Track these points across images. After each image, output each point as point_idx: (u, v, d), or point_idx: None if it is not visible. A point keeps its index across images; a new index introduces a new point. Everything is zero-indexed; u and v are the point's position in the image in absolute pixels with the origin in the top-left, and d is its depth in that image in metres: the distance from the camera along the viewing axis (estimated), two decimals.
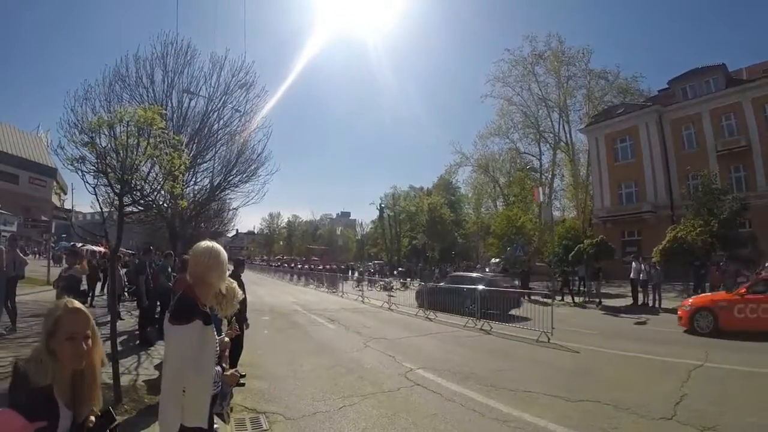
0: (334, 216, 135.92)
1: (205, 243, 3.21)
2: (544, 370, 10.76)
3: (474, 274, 23.75)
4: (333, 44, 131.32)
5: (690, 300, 16.82)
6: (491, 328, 16.33)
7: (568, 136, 56.04)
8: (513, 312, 17.62)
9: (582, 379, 9.93)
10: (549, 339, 14.06)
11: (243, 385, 8.26)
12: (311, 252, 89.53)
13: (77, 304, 2.32)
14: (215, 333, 3.17)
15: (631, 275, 23.99)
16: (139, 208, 10.65)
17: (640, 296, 23.71)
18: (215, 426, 3.78)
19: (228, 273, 3.24)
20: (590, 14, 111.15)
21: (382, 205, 75.61)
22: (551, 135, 57.35)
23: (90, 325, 2.31)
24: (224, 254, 3.20)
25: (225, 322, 4.29)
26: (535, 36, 56.68)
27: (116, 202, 7.74)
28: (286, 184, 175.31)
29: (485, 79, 66.23)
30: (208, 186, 22.31)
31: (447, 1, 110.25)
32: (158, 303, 12.68)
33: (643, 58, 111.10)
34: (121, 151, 7.03)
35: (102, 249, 25.57)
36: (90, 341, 2.27)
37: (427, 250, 65.03)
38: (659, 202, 41.15)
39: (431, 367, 10.45)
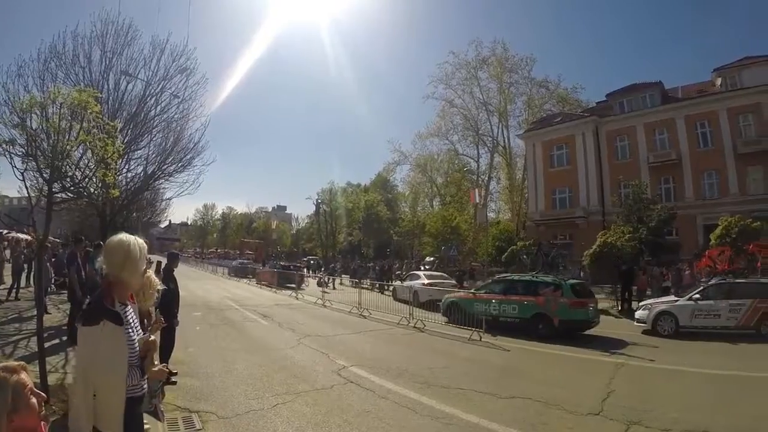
0: (270, 209, 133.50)
1: (118, 237, 2.98)
2: (476, 367, 10.92)
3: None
4: (283, 36, 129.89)
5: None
6: (425, 326, 16.50)
7: (506, 140, 57.09)
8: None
9: (512, 376, 10.16)
10: (481, 337, 14.32)
11: (175, 383, 8.05)
12: (246, 245, 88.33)
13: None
14: (130, 333, 2.96)
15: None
16: (70, 195, 10.26)
17: None
18: (146, 426, 3.64)
19: (152, 266, 3.08)
20: (538, 25, 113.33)
21: (319, 200, 75.00)
22: (490, 139, 58.25)
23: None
24: (138, 249, 2.96)
25: (154, 316, 4.15)
26: (480, 41, 57.62)
27: (45, 189, 7.40)
28: (222, 174, 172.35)
29: (428, 80, 66.69)
30: (142, 174, 21.70)
31: (400, 2, 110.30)
32: (89, 297, 12.21)
33: (584, 70, 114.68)
34: (52, 135, 6.73)
35: (28, 237, 24.58)
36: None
37: (362, 246, 65.05)
38: (591, 208, 42.40)
39: (365, 364, 10.45)
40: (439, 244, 45.16)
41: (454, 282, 27.35)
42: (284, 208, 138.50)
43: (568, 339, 14.38)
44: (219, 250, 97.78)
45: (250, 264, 50.98)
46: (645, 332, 16.50)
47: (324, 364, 10.34)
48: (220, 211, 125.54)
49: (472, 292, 18.92)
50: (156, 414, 3.57)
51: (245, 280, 41.24)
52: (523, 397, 8.21)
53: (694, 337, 15.32)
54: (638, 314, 17.61)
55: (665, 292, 23.35)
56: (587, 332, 15.69)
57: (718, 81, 39.45)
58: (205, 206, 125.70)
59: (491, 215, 59.30)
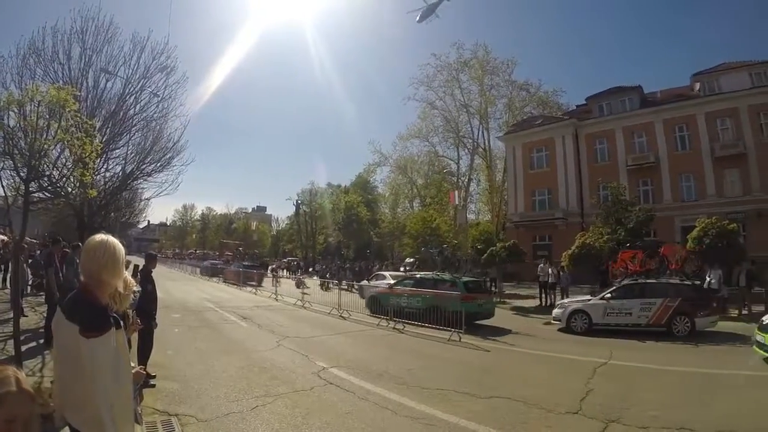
0: (250, 210, 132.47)
1: (99, 237, 2.88)
2: (456, 368, 10.97)
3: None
4: (265, 38, 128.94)
5: None
6: (404, 327, 16.53)
7: (486, 142, 57.00)
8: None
9: (492, 376, 10.24)
10: (460, 338, 14.34)
11: (153, 386, 7.98)
12: (225, 246, 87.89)
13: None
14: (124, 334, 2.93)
15: (540, 278, 25.02)
16: (47, 195, 10.16)
17: (549, 298, 24.85)
18: None
19: (129, 267, 3.03)
20: (519, 29, 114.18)
21: (299, 201, 74.75)
22: (470, 140, 58.18)
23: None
24: (121, 249, 2.92)
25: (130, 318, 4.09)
26: (462, 44, 57.33)
27: (22, 188, 7.30)
28: (201, 175, 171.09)
29: (409, 82, 66.64)
30: (120, 174, 21.55)
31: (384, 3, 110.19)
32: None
33: (565, 74, 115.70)
34: (30, 133, 6.65)
35: (5, 238, 24.21)
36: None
37: (342, 248, 65.03)
38: (570, 210, 42.63)
39: (345, 365, 10.46)
40: (419, 245, 45.22)
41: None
42: (264, 209, 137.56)
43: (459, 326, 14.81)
44: (198, 251, 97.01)
45: (219, 264, 52.05)
46: (560, 330, 17.08)
47: (304, 366, 10.31)
48: (200, 212, 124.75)
49: (388, 287, 21.46)
50: (135, 417, 3.51)
51: (215, 279, 41.97)
52: (503, 397, 8.26)
53: (606, 334, 16.06)
54: (554, 312, 18.51)
55: None
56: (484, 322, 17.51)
57: (697, 86, 40.10)
58: (184, 207, 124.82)
59: (471, 216, 59.68)
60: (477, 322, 16.95)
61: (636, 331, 16.04)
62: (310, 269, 57.24)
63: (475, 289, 18.76)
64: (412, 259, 45.14)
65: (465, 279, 19.88)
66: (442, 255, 28.02)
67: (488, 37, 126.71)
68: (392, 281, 23.93)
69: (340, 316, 19.51)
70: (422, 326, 16.33)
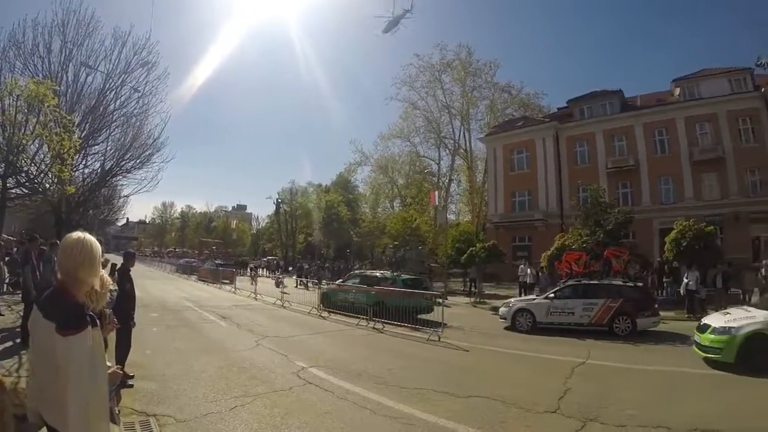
0: (230, 208, 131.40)
1: (77, 234, 2.86)
2: (435, 367, 11.02)
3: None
4: (248, 36, 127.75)
5: None
6: (383, 327, 16.56)
7: (467, 143, 57.29)
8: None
9: (471, 376, 10.25)
10: (440, 338, 14.42)
11: (131, 386, 7.91)
12: (205, 245, 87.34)
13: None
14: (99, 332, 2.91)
15: (520, 278, 25.24)
16: (24, 191, 10.05)
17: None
18: None
19: (107, 266, 2.99)
20: (503, 32, 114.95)
21: (279, 200, 74.26)
22: (451, 141, 58.40)
23: None
24: (97, 247, 2.91)
25: (107, 317, 4.04)
26: (445, 45, 57.63)
27: None
28: (181, 172, 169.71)
29: (392, 82, 66.75)
30: (99, 170, 21.37)
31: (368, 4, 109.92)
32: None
33: (546, 77, 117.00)
34: (8, 128, 6.58)
35: None
36: None
37: (322, 247, 64.86)
38: (550, 211, 42.88)
39: (324, 365, 10.44)
40: (399, 246, 45.21)
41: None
42: (244, 207, 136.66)
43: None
44: (178, 250, 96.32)
45: (195, 262, 53.44)
46: (506, 328, 17.39)
47: (283, 366, 10.28)
48: (179, 210, 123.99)
49: (337, 284, 23.73)
50: (112, 418, 3.46)
51: (191, 277, 42.14)
52: (481, 397, 8.30)
53: (549, 333, 16.46)
54: (500, 311, 18.88)
55: None
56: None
57: (677, 91, 40.76)
58: (163, 204, 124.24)
59: (451, 217, 59.78)
60: (420, 316, 17.42)
61: (578, 330, 16.53)
62: (290, 268, 57.05)
63: (413, 286, 19.92)
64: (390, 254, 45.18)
65: (404, 277, 22.14)
66: (402, 257, 28.92)
67: (472, 38, 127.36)
68: None
69: (320, 315, 19.51)
70: (401, 326, 16.39)
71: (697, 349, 11.72)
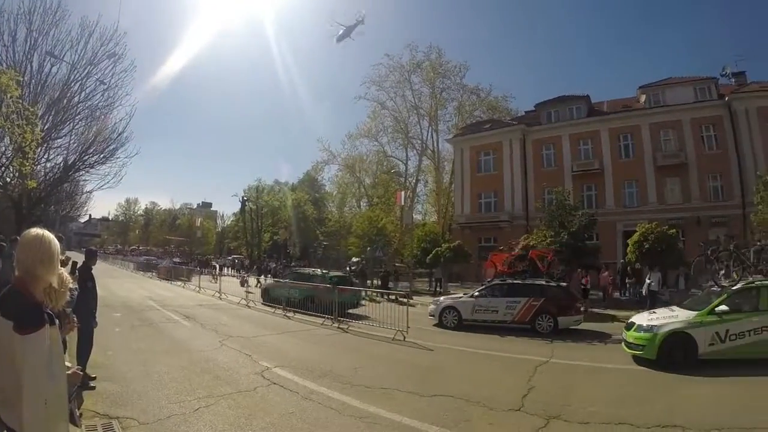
0: (195, 206, 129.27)
1: (35, 231, 2.81)
2: (400, 367, 11.06)
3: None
4: (219, 32, 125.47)
5: None
6: (348, 326, 16.56)
7: (435, 144, 57.70)
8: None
9: (436, 375, 10.35)
10: (404, 337, 14.45)
11: (93, 388, 7.76)
12: (169, 243, 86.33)
13: None
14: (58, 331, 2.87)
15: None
16: None
17: None
18: None
19: (68, 264, 2.94)
20: (473, 35, 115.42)
21: (245, 198, 73.51)
22: (419, 142, 58.69)
23: None
24: (56, 244, 2.87)
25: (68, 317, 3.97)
26: (416, 45, 57.90)
27: None
28: (146, 168, 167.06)
29: (361, 81, 66.83)
30: (62, 164, 21.01)
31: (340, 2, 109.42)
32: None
33: (515, 81, 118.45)
34: None
35: None
36: None
37: (288, 246, 64.47)
38: (516, 213, 43.43)
39: (288, 365, 10.41)
40: (365, 245, 45.23)
41: (355, 281, 29.47)
42: (210, 205, 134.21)
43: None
44: (141, 248, 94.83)
45: (153, 260, 53.25)
46: (435, 325, 17.74)
47: (247, 366, 10.23)
48: (143, 207, 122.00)
49: (276, 280, 26.40)
50: (72, 419, 3.40)
51: (149, 275, 42.12)
52: (446, 395, 8.36)
53: (473, 329, 17.01)
54: (429, 309, 19.37)
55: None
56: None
57: (643, 98, 41.90)
58: (127, 201, 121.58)
59: (418, 217, 60.21)
60: (349, 311, 18.91)
61: (502, 327, 17.18)
62: (255, 267, 56.73)
63: (340, 283, 20.76)
64: (357, 259, 45.19)
65: (331, 275, 23.89)
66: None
67: (443, 40, 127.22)
68: None
69: (285, 315, 19.41)
70: (366, 325, 16.56)
71: (624, 347, 12.24)
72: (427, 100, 57.13)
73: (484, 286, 19.44)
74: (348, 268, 41.46)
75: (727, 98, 37.49)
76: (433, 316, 18.56)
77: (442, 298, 20.36)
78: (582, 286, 24.76)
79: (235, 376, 9.30)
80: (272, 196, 79.29)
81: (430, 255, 33.11)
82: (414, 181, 60.86)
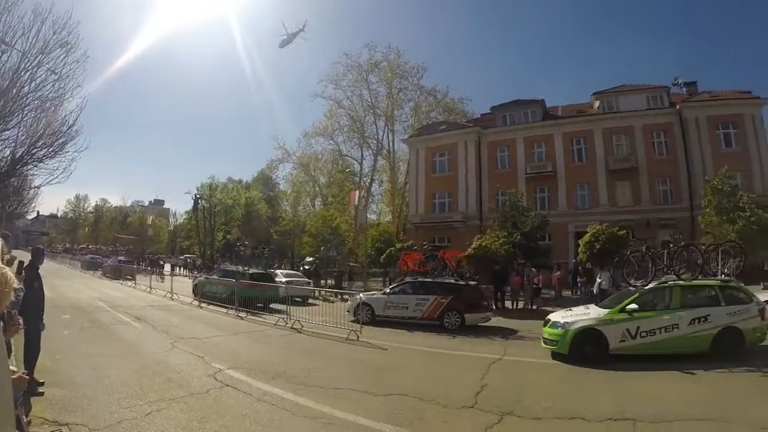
0: (147, 203, 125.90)
1: None
2: (353, 367, 11.14)
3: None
4: (177, 26, 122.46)
5: None
6: (302, 326, 16.52)
7: (391, 144, 57.71)
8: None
9: (389, 374, 10.43)
10: (358, 337, 14.58)
11: (42, 394, 7.59)
12: (119, 241, 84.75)
13: None
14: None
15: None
16: None
17: None
18: None
19: (14, 263, 2.84)
20: (432, 38, 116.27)
21: (198, 195, 72.13)
22: (375, 141, 58.64)
23: None
24: None
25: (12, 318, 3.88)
26: (375, 45, 57.70)
27: None
28: (96, 163, 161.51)
29: (318, 79, 66.61)
30: (9, 158, 20.49)
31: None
32: None
33: (472, 84, 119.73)
34: None
35: None
36: None
37: (240, 245, 63.86)
38: (469, 213, 43.73)
39: (241, 367, 10.37)
40: (319, 245, 45.16)
41: (308, 280, 30.49)
42: (162, 202, 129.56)
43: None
44: (91, 246, 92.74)
45: (98, 259, 53.75)
46: (352, 321, 17.52)
47: (199, 368, 10.14)
48: (94, 204, 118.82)
49: (205, 277, 27.47)
50: (19, 426, 3.31)
51: (119, 280, 39.39)
52: (400, 394, 8.45)
53: (390, 325, 17.63)
54: (347, 305, 19.80)
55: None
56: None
57: (596, 104, 43.09)
58: (77, 197, 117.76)
59: (372, 217, 60.24)
60: (259, 305, 20.08)
61: (413, 323, 18.01)
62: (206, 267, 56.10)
63: (258, 279, 23.42)
64: (311, 258, 45.08)
65: (251, 271, 25.99)
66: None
67: (400, 42, 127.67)
68: (283, 279, 27.03)
69: (238, 315, 19.29)
70: (320, 325, 16.58)
71: (544, 344, 12.76)
72: (384, 100, 57.19)
73: (396, 284, 20.70)
74: (302, 268, 41.58)
75: (678, 106, 38.96)
76: (349, 312, 18.65)
77: (360, 295, 20.73)
78: (534, 285, 25.18)
79: (187, 379, 9.20)
80: (225, 194, 78.20)
81: (384, 255, 33.23)
82: (369, 180, 60.84)
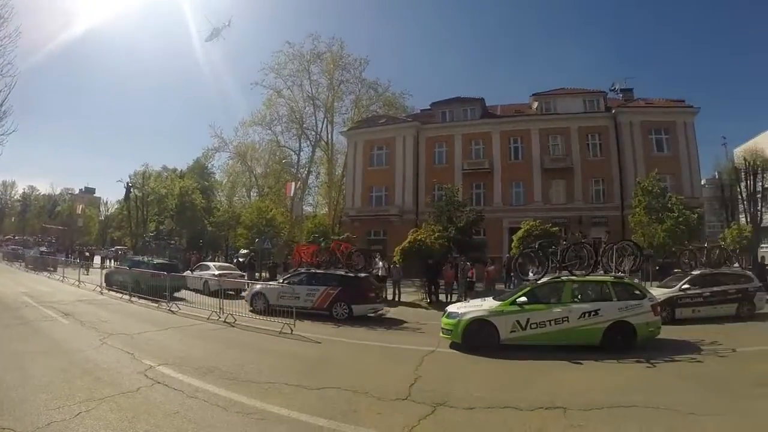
0: (77, 191, 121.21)
1: None
2: (287, 361, 11.16)
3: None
4: (117, 9, 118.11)
5: None
6: (235, 320, 16.40)
7: (329, 136, 57.78)
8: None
9: (323, 368, 10.55)
10: (292, 330, 14.54)
11: None
12: (47, 232, 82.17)
13: None
14: None
15: (372, 271, 26.06)
16: None
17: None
18: None
19: None
20: (375, 31, 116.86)
21: (130, 184, 70.03)
22: (313, 133, 58.59)
23: None
24: None
25: None
26: (319, 35, 57.47)
27: None
28: (25, 147, 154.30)
29: (259, 67, 65.93)
30: None
31: None
32: None
33: (413, 79, 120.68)
34: None
35: None
36: None
37: (174, 236, 62.63)
38: (406, 207, 44.36)
39: (173, 363, 10.26)
40: (254, 236, 44.84)
41: (242, 273, 29.84)
42: (93, 190, 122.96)
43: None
44: (17, 237, 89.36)
45: (20, 250, 52.98)
46: (250, 311, 18.08)
47: (130, 366, 9.95)
48: (21, 191, 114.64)
49: (115, 267, 29.48)
50: None
51: (46, 273, 37.65)
52: (333, 387, 8.55)
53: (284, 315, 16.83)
54: (244, 294, 20.86)
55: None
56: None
57: (535, 104, 44.70)
58: (3, 184, 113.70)
59: (309, 209, 60.22)
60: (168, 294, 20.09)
61: (304, 313, 17.76)
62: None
63: (164, 269, 23.35)
64: (246, 250, 44.69)
65: (155, 261, 26.78)
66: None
67: (344, 34, 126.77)
68: (217, 271, 26.90)
69: (169, 309, 18.96)
70: (254, 319, 16.55)
71: (443, 335, 13.33)
72: (325, 92, 57.21)
73: (290, 274, 21.58)
74: (235, 260, 41.22)
75: (613, 111, 41.04)
76: (246, 301, 19.30)
77: (257, 285, 21.26)
78: (468, 279, 25.57)
79: (116, 377, 9.04)
80: (159, 183, 76.17)
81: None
82: (306, 172, 60.75)
